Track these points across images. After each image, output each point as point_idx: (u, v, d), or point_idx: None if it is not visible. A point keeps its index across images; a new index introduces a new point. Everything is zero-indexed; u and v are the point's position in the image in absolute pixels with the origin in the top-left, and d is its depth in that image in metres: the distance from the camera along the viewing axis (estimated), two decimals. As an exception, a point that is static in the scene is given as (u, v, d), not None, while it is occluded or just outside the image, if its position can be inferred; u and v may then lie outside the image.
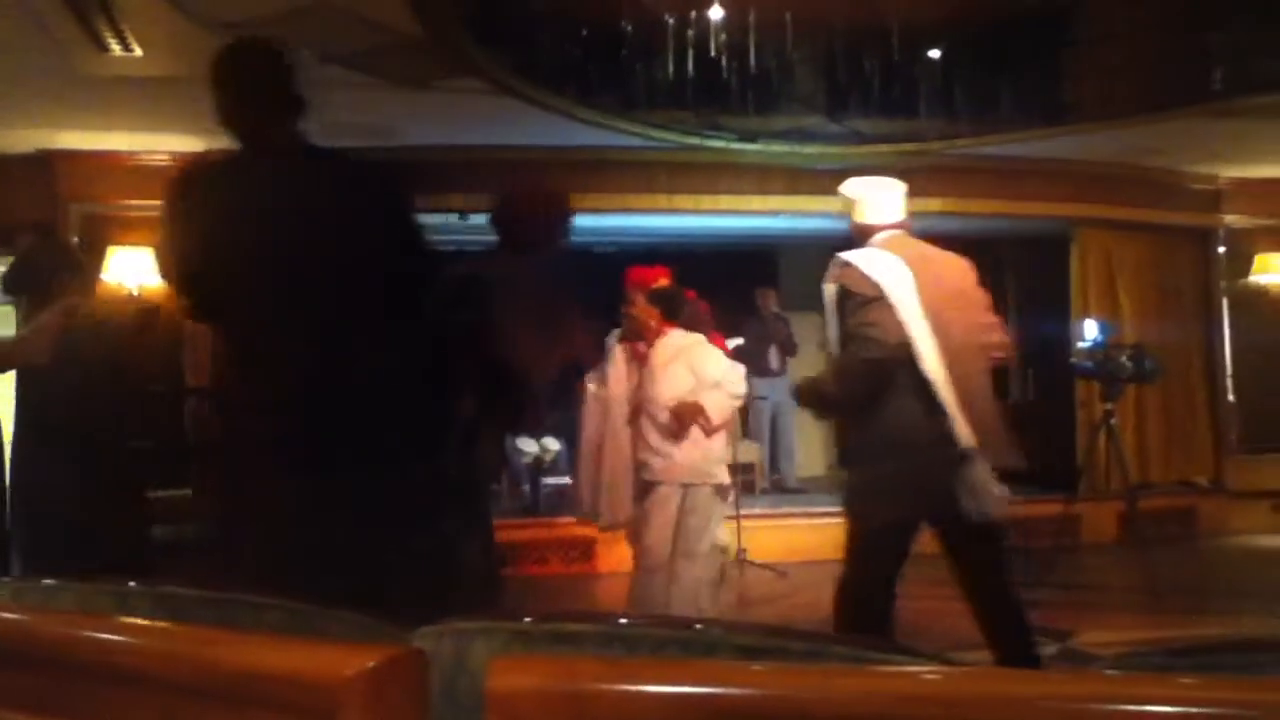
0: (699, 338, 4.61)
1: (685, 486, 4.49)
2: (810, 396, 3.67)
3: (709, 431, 4.48)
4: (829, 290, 3.54)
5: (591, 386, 4.78)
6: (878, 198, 3.74)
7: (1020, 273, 10.13)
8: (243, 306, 2.54)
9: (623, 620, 1.07)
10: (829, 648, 0.97)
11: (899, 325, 3.37)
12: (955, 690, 0.82)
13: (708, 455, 4.53)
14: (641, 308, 4.61)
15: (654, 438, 4.50)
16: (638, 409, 4.56)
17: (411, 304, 2.66)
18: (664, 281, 4.65)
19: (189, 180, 2.75)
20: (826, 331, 3.59)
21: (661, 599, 4.44)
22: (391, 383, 2.54)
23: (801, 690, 0.82)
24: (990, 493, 3.42)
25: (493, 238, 3.54)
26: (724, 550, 4.78)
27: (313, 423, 2.46)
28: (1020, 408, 9.79)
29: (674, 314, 4.59)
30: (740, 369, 4.70)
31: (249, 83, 2.70)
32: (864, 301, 3.42)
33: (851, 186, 3.76)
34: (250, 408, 2.59)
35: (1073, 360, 7.04)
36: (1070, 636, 5.09)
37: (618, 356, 4.77)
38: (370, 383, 2.51)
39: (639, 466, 4.56)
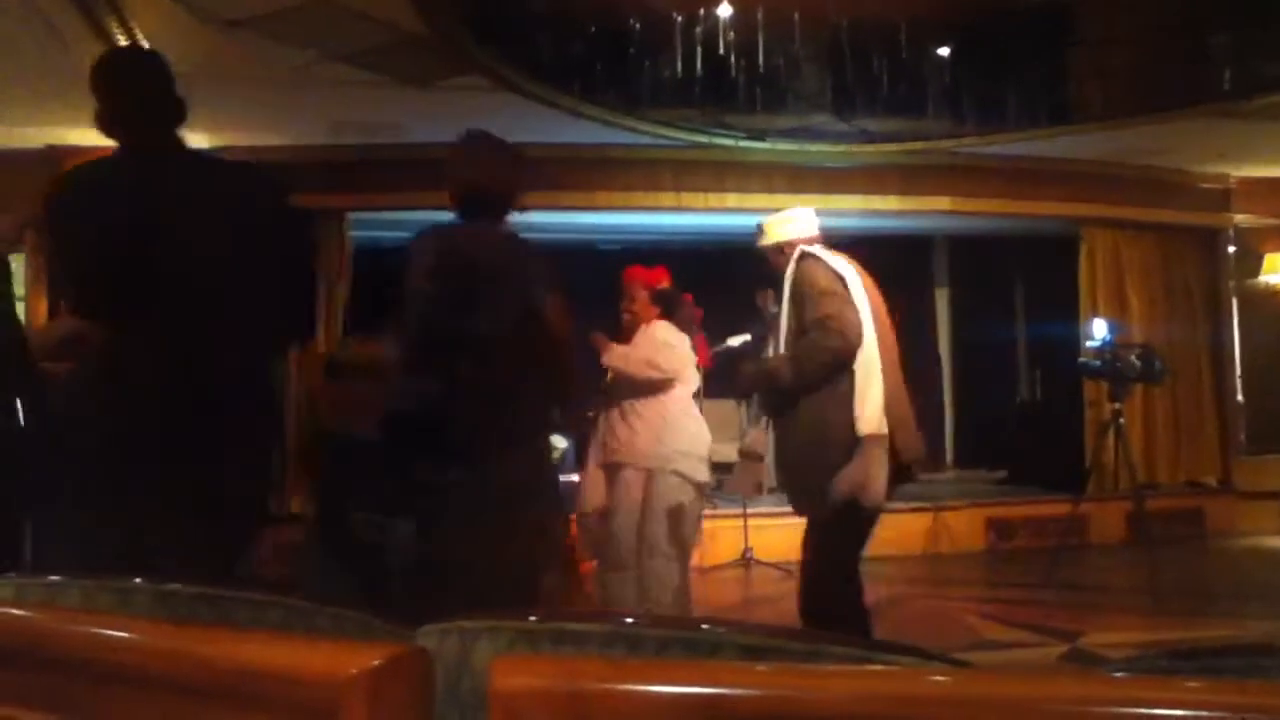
0: (659, 325, 4.63)
1: (648, 471, 4.45)
2: (759, 381, 3.62)
3: (616, 390, 4.49)
4: (792, 279, 3.58)
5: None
6: (800, 214, 3.88)
7: (1028, 272, 10.12)
8: (128, 305, 2.54)
9: (627, 620, 1.06)
10: (833, 648, 0.96)
11: (858, 318, 3.46)
12: (960, 691, 0.82)
13: (667, 440, 4.49)
14: (643, 305, 4.63)
15: (615, 418, 4.54)
16: (611, 396, 4.61)
17: (295, 304, 2.70)
18: (666, 283, 4.70)
19: (69, 183, 2.77)
20: (780, 320, 3.61)
21: (620, 593, 4.43)
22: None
23: (805, 691, 0.82)
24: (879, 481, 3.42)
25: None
26: (687, 554, 4.63)
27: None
28: (1027, 407, 9.79)
29: (669, 314, 4.65)
30: (682, 355, 4.62)
31: (129, 89, 2.70)
32: (828, 293, 3.49)
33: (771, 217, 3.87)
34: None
35: (1081, 360, 7.03)
36: (1077, 637, 5.08)
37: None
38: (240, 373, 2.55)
39: (606, 451, 4.59)
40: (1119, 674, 0.95)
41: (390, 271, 3.24)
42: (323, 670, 0.94)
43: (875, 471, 3.43)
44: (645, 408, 4.50)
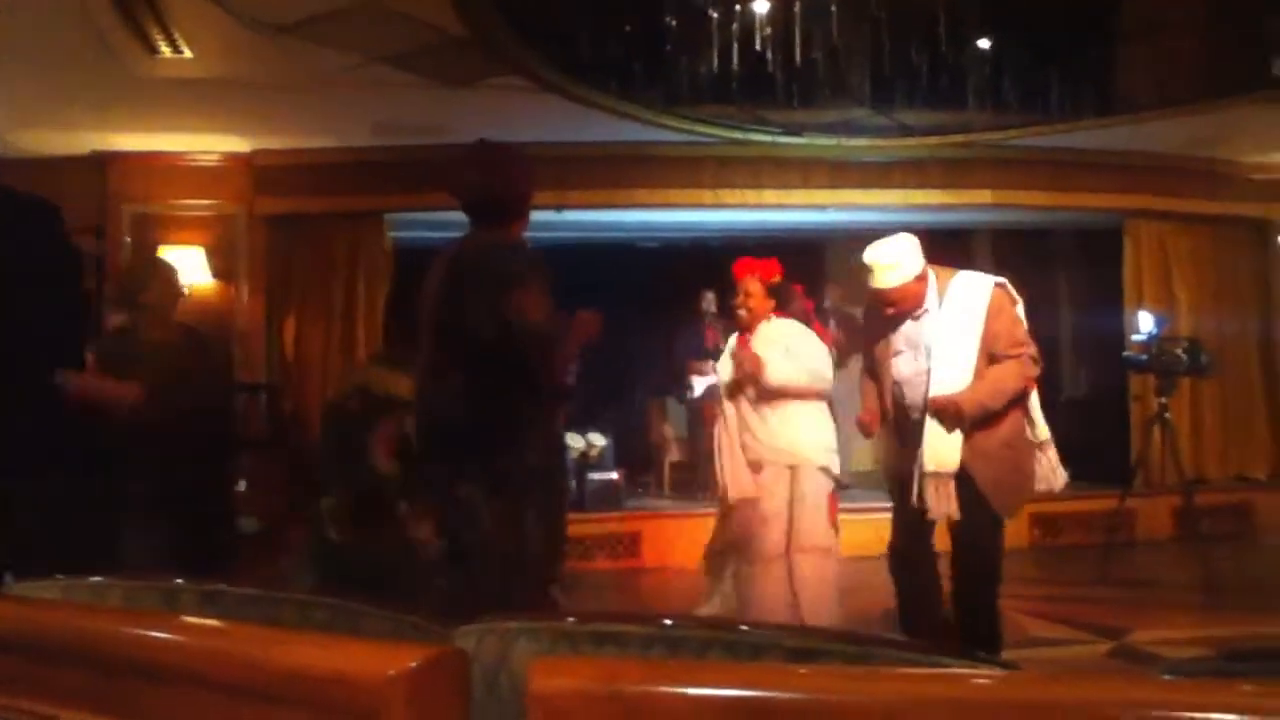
0: (800, 324, 4.62)
1: (793, 468, 4.47)
2: (974, 416, 3.65)
3: (762, 393, 4.45)
4: (990, 307, 3.70)
5: (712, 379, 4.86)
6: (906, 241, 3.87)
7: (1071, 266, 9.98)
8: None
9: (667, 621, 1.05)
10: (878, 650, 0.95)
11: None
12: (1008, 695, 0.80)
13: (803, 433, 4.48)
14: (759, 300, 4.60)
15: (751, 418, 4.52)
16: (737, 392, 4.59)
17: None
18: (779, 276, 4.67)
19: None
20: (962, 339, 3.69)
21: (773, 592, 4.42)
22: None
23: (850, 694, 0.81)
24: None
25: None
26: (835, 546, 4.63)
27: None
28: (1072, 402, 9.67)
29: (784, 305, 4.64)
30: (829, 358, 4.66)
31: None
32: (1019, 322, 3.76)
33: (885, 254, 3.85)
34: None
35: (1126, 354, 6.92)
36: (1125, 634, 5.01)
37: (731, 348, 4.79)
38: None
39: (742, 448, 4.57)
40: (1170, 676, 0.92)
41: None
42: (362, 671, 0.94)
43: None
44: (786, 404, 4.50)
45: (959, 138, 7.27)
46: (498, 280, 3.01)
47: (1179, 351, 6.25)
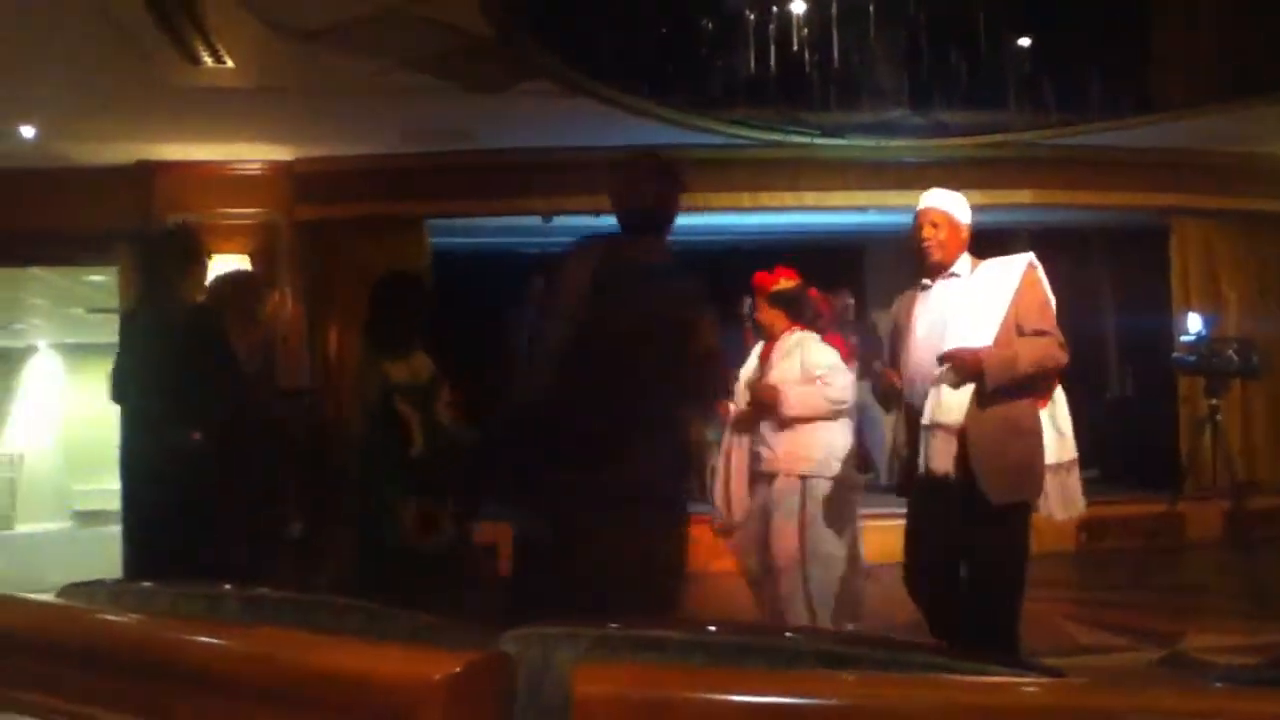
0: (812, 334, 4.58)
1: (803, 478, 4.44)
2: (1005, 372, 3.50)
3: (781, 422, 4.44)
4: (1023, 281, 3.56)
5: (738, 393, 4.80)
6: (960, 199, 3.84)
7: (1116, 266, 9.85)
8: None
9: (708, 627, 1.05)
10: (916, 657, 0.94)
11: None
12: (1053, 703, 0.79)
13: (817, 445, 4.46)
14: (765, 311, 4.59)
15: (765, 429, 4.50)
16: (752, 404, 4.57)
17: None
18: (785, 283, 4.62)
19: None
20: (989, 307, 3.57)
21: (783, 603, 4.40)
22: None
23: (888, 701, 0.80)
24: None
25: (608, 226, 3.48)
26: (854, 559, 4.58)
27: None
28: (1119, 404, 9.54)
29: (797, 315, 4.57)
30: (846, 374, 4.57)
31: None
32: (1050, 305, 3.60)
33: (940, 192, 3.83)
34: None
35: (1174, 355, 6.82)
36: (1176, 641, 4.92)
37: (750, 361, 4.77)
38: None
39: (754, 459, 4.57)
40: (1222, 684, 0.91)
41: (469, 277, 3.29)
42: (404, 675, 0.94)
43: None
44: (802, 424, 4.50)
45: (997, 137, 7.20)
46: (676, 301, 3.07)
47: (1229, 352, 6.15)
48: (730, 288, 8.91)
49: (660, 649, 1.03)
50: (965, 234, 3.74)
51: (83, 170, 7.13)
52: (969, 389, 3.51)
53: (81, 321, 12.37)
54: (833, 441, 4.49)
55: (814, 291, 4.85)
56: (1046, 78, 6.72)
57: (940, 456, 3.55)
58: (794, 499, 4.43)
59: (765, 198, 7.78)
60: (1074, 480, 3.73)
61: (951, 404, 3.53)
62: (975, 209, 7.93)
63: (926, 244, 3.72)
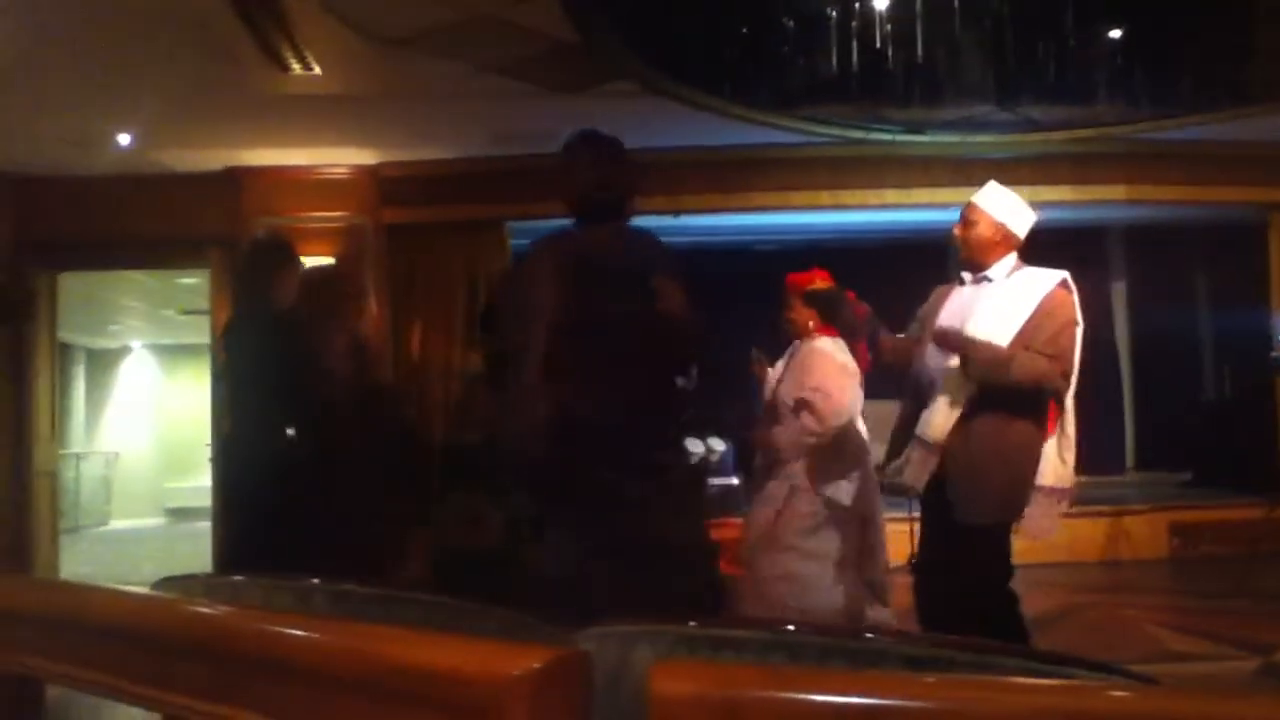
0: (825, 344, 4.50)
1: (792, 487, 4.40)
2: (990, 366, 3.42)
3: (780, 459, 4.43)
4: (1049, 299, 3.46)
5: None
6: (1019, 202, 3.69)
7: (1211, 263, 9.57)
8: None
9: (788, 627, 1.04)
10: (1003, 660, 0.92)
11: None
12: (1142, 708, 0.77)
13: (817, 464, 4.40)
14: (797, 311, 4.55)
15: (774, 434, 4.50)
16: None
17: None
18: (819, 284, 4.55)
19: None
20: (1003, 322, 3.47)
21: (745, 595, 4.40)
22: None
23: (973, 705, 0.79)
24: None
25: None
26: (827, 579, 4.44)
27: None
28: (1213, 405, 9.26)
29: (830, 317, 4.47)
30: (836, 394, 4.39)
31: None
32: (1073, 327, 3.47)
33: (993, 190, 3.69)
34: None
35: (1273, 355, 6.60)
36: (1272, 650, 4.76)
37: (780, 362, 4.75)
38: None
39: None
40: (1323, 694, 0.87)
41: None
42: (485, 671, 0.95)
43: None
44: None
45: (1088, 132, 7.03)
46: (642, 272, 2.97)
47: (1329, 352, 5.93)
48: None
49: (739, 648, 1.02)
50: (1009, 236, 3.61)
51: (175, 177, 7.34)
52: (959, 408, 3.45)
53: (174, 323, 12.74)
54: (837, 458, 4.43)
55: (851, 294, 4.77)
56: (1138, 70, 6.54)
57: (915, 470, 3.50)
58: (777, 501, 4.42)
59: (846, 196, 7.70)
60: (1064, 505, 3.57)
61: (939, 421, 3.48)
62: (1067, 205, 7.76)
63: (959, 239, 3.66)
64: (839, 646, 0.97)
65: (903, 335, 3.89)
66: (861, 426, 4.61)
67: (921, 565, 3.70)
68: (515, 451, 3.21)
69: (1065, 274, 3.55)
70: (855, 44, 6.14)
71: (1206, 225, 8.96)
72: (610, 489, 2.88)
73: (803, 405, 4.34)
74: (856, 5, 6.02)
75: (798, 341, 4.59)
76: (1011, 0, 6.05)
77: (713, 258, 9.83)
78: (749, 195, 7.72)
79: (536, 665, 0.94)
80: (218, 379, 4.68)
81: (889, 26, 6.10)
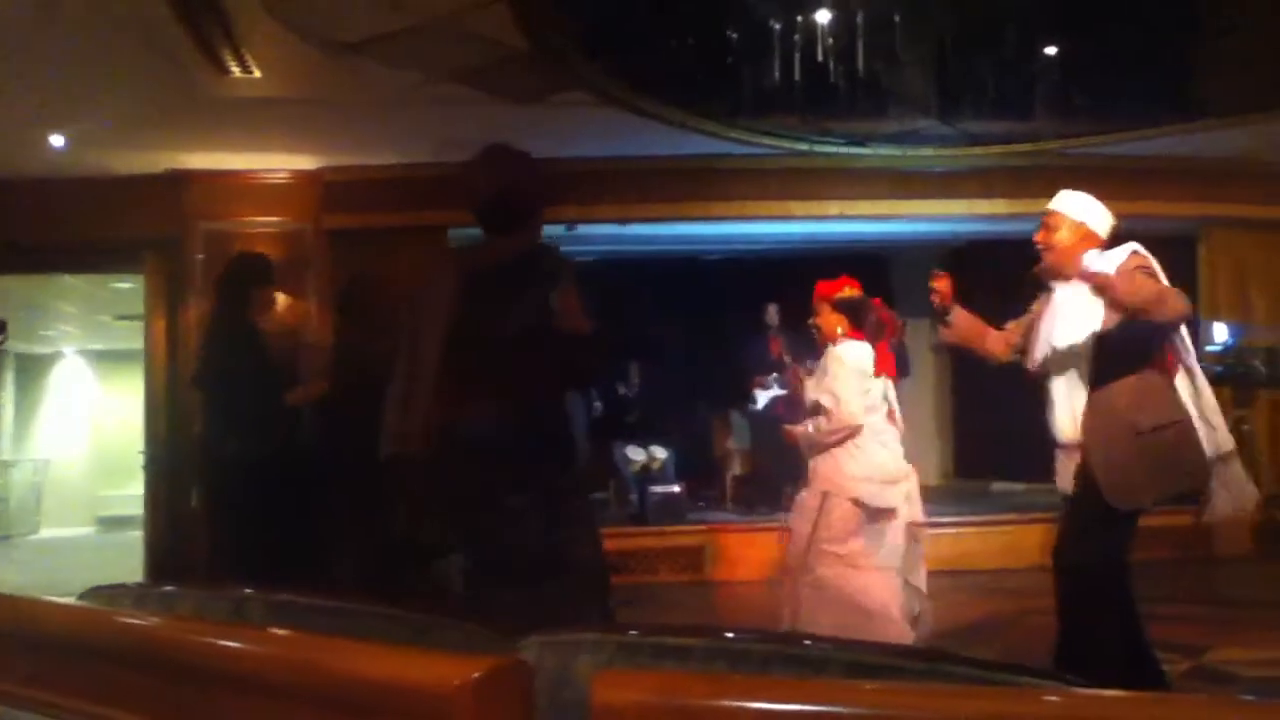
0: (839, 350, 4.57)
1: (823, 494, 4.49)
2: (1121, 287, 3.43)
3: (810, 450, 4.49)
4: (1120, 264, 3.50)
5: (776, 391, 4.90)
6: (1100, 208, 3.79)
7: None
8: None
9: (729, 634, 1.04)
10: (947, 667, 0.93)
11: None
12: (1071, 713, 0.78)
13: (848, 467, 4.48)
14: (826, 316, 4.61)
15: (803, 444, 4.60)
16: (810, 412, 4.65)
17: None
18: (849, 291, 4.65)
19: None
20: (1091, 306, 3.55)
21: (784, 606, 4.49)
22: None
23: (916, 712, 0.79)
24: None
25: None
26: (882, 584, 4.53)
27: None
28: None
29: (858, 323, 4.60)
30: (851, 396, 4.50)
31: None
32: (1145, 267, 3.55)
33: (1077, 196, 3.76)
34: None
35: (1201, 365, 6.75)
36: (1203, 653, 4.87)
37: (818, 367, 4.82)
38: None
39: (812, 476, 4.64)
40: (1250, 697, 0.89)
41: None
42: (425, 681, 0.94)
43: None
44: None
45: (1026, 146, 7.16)
46: (539, 284, 2.95)
47: (1257, 362, 6.09)
48: (758, 297, 8.95)
49: (681, 657, 1.02)
50: (1092, 236, 3.66)
51: (111, 179, 7.20)
52: (1079, 404, 3.46)
53: (108, 328, 12.48)
54: (864, 463, 4.49)
55: (878, 301, 4.86)
56: (1075, 86, 6.67)
57: (1062, 474, 3.56)
58: (811, 513, 4.49)
59: (794, 207, 7.77)
60: (1238, 468, 3.65)
61: (1064, 419, 3.52)
62: (1004, 218, 7.88)
63: (1039, 246, 3.70)
64: (780, 654, 0.97)
65: (1011, 325, 3.93)
66: (898, 424, 4.69)
67: (1064, 562, 3.67)
68: (393, 465, 3.11)
69: (1134, 245, 3.63)
70: (799, 57, 6.19)
71: (1140, 238, 9.12)
72: (492, 507, 2.87)
73: (817, 408, 4.49)
74: (800, 19, 6.08)
75: (832, 347, 4.63)
76: (952, 16, 6.13)
77: (660, 267, 9.88)
78: (696, 205, 7.76)
79: (477, 675, 0.93)
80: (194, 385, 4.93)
81: (832, 40, 6.16)
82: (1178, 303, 3.42)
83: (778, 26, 6.16)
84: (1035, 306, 3.87)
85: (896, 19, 5.99)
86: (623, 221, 7.73)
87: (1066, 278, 3.66)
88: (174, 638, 1.12)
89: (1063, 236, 3.66)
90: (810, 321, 4.73)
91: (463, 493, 2.93)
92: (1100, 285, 3.42)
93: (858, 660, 0.96)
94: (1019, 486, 8.86)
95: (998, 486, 9.42)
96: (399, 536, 4.22)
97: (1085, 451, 3.49)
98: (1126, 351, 3.48)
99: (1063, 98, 6.68)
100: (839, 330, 4.59)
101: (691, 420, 9.19)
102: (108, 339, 13.52)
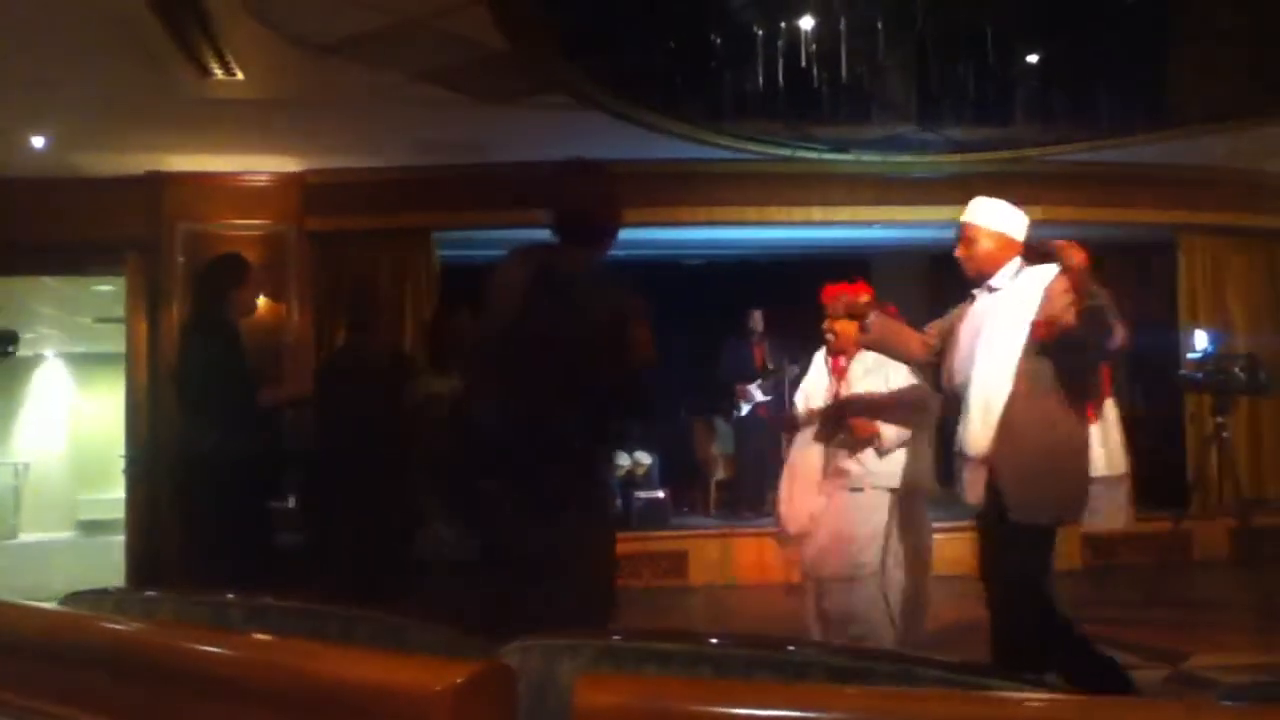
0: (893, 361, 4.56)
1: (892, 491, 4.45)
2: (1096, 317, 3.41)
3: (880, 451, 4.46)
4: (1047, 284, 3.52)
5: (800, 403, 4.80)
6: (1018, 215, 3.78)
7: (1123, 281, 9.83)
8: None
9: (712, 640, 1.04)
10: (924, 671, 0.94)
11: None
12: (1060, 718, 0.79)
13: (905, 461, 4.46)
14: (840, 323, 4.58)
15: (854, 445, 4.50)
16: (835, 419, 4.55)
17: None
18: (866, 297, 4.62)
19: None
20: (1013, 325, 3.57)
21: (857, 615, 4.39)
22: None
23: (895, 715, 0.79)
24: None
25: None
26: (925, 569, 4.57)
27: None
28: (1124, 421, 9.50)
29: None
30: (927, 395, 4.48)
31: None
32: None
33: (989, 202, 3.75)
34: None
35: (1181, 372, 6.80)
36: (1183, 659, 4.90)
37: (819, 372, 4.76)
38: None
39: (837, 474, 4.53)
40: (1228, 701, 0.90)
41: (477, 289, 3.29)
42: (408, 685, 0.94)
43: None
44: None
45: (1007, 153, 7.20)
46: (614, 309, 3.05)
47: (1236, 369, 6.13)
48: (740, 302, 8.96)
49: (664, 661, 1.02)
50: (1010, 244, 3.68)
51: (92, 180, 7.16)
52: (995, 418, 3.50)
53: (88, 331, 12.39)
54: (919, 458, 4.48)
55: (892, 308, 4.85)
56: (1057, 93, 6.72)
57: (971, 487, 3.56)
58: (880, 513, 4.42)
59: (774, 212, 7.79)
60: (1126, 491, 3.71)
61: (977, 432, 3.53)
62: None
63: (960, 258, 3.72)
64: (764, 659, 0.97)
65: (930, 329, 3.97)
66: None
67: (988, 575, 3.74)
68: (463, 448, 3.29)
69: (1057, 265, 3.59)
70: (782, 63, 6.21)
71: (1120, 245, 9.22)
72: (507, 504, 2.94)
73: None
74: (783, 24, 6.09)
75: (863, 353, 4.56)
76: (934, 23, 6.16)
77: (641, 271, 9.87)
78: (677, 209, 7.77)
79: (459, 679, 0.93)
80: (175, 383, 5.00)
81: (814, 46, 6.18)
82: (1124, 336, 3.45)
83: (760, 31, 6.18)
84: (956, 311, 3.89)
85: (879, 25, 6.01)
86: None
87: (991, 289, 3.68)
88: (155, 643, 1.11)
89: (982, 247, 3.68)
90: (825, 326, 4.67)
91: (481, 476, 3.03)
92: (1063, 320, 3.44)
93: (840, 665, 0.96)
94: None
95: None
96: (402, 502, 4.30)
97: (995, 466, 3.50)
98: (1046, 370, 3.51)
99: (1043, 104, 6.72)
100: (853, 336, 4.52)
101: (675, 426, 9.18)
102: (88, 341, 13.42)
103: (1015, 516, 3.46)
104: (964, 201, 7.95)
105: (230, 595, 1.41)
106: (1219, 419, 6.18)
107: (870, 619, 4.33)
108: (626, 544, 7.40)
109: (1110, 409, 3.70)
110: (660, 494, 8.10)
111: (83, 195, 7.17)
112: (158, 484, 6.95)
